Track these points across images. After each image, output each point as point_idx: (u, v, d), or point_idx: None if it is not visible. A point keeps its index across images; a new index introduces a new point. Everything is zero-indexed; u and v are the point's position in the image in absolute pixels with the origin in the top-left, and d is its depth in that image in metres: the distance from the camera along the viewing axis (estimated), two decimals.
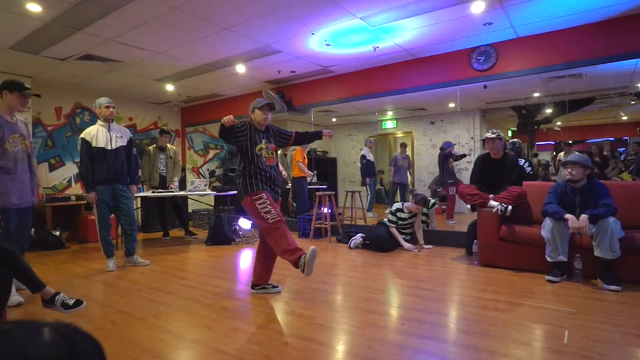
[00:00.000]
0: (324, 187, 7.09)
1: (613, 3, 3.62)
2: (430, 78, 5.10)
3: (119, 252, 4.48)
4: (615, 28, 3.94)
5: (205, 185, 5.68)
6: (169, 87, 6.45)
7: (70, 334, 0.54)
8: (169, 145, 5.91)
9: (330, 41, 4.53)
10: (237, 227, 5.70)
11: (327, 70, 5.71)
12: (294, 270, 3.83)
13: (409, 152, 8.63)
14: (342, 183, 10.10)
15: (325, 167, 9.91)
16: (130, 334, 2.31)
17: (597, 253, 3.08)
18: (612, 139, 7.88)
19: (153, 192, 5.31)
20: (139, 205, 6.41)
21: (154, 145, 5.84)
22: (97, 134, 3.90)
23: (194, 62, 5.19)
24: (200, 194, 5.60)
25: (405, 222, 4.79)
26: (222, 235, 5.37)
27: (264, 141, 3.00)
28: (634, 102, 6.52)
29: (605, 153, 7.02)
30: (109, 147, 3.92)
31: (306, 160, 6.62)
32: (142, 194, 5.28)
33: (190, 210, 7.42)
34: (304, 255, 2.68)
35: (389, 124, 9.41)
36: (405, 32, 4.31)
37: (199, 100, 7.65)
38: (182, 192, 5.65)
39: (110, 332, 2.34)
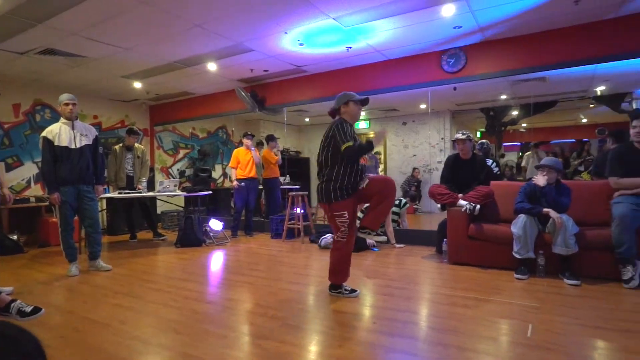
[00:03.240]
0: (297, 187, 7.06)
1: (572, 12, 3.78)
2: (402, 79, 5.17)
3: (82, 255, 4.29)
4: (575, 35, 4.12)
5: (175, 185, 5.54)
6: (137, 85, 6.25)
7: (7, 331, 0.50)
8: (136, 145, 5.72)
9: (304, 41, 4.51)
10: (208, 229, 5.59)
11: (300, 69, 5.69)
12: (268, 271, 3.81)
13: (381, 151, 8.74)
14: (315, 183, 10.09)
15: (298, 167, 9.89)
16: (94, 340, 2.21)
17: (554, 250, 3.24)
18: (573, 140, 8.27)
19: (120, 193, 5.12)
20: (105, 207, 6.18)
21: (121, 145, 5.64)
22: (59, 132, 3.73)
23: (163, 59, 5.05)
24: (169, 194, 5.45)
25: None
26: (192, 237, 5.25)
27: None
28: (592, 106, 6.87)
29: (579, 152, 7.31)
30: (72, 146, 3.75)
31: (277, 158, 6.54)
32: (108, 195, 5.08)
33: (159, 212, 7.22)
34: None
35: (362, 124, 9.50)
36: (378, 34, 4.35)
37: (169, 99, 7.45)
38: (150, 193, 5.49)
39: (72, 340, 2.24)
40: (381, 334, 2.23)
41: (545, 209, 3.30)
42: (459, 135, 4.16)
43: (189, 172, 8.44)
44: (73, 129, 3.80)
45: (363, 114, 8.95)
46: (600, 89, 6.11)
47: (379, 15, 3.86)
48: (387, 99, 6.81)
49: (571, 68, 4.36)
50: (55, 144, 3.68)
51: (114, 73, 5.60)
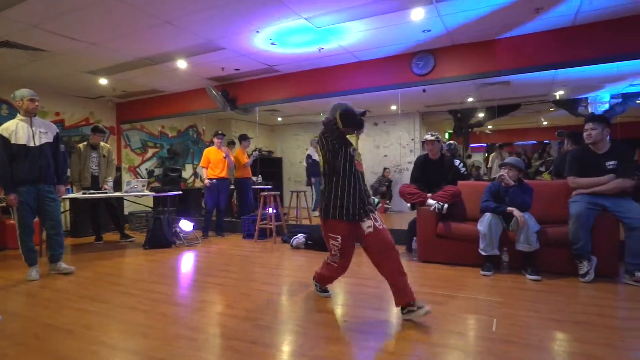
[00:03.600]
0: (269, 187, 7.03)
1: (534, 19, 3.96)
2: (373, 80, 5.25)
3: (43, 259, 4.09)
4: (536, 42, 4.32)
5: (143, 185, 5.38)
6: (103, 81, 6.02)
7: None
8: (102, 144, 5.52)
9: (276, 40, 4.50)
10: (178, 229, 5.48)
11: (273, 69, 5.66)
12: (240, 272, 3.77)
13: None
14: (288, 183, 10.09)
15: (270, 167, 9.84)
16: (56, 347, 2.12)
17: (517, 247, 3.40)
18: (535, 142, 8.66)
19: (84, 194, 4.92)
20: (68, 208, 5.92)
21: (85, 143, 5.42)
22: (16, 129, 3.54)
23: (131, 55, 4.89)
24: (137, 194, 5.29)
25: None
26: (161, 238, 5.12)
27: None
28: (552, 109, 7.21)
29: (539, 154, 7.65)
30: (31, 144, 3.57)
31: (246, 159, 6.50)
32: (71, 195, 4.88)
33: (126, 213, 6.99)
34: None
35: None
36: (350, 35, 4.40)
37: (137, 96, 7.23)
38: (117, 193, 5.30)
39: (32, 347, 2.13)
40: (353, 332, 2.27)
41: (509, 208, 3.45)
42: (428, 137, 4.26)
43: (158, 171, 8.22)
44: (32, 126, 3.62)
45: None
46: (559, 94, 6.42)
47: (350, 16, 3.90)
48: (358, 99, 6.87)
49: (533, 73, 4.57)
50: (12, 142, 3.50)
51: (78, 68, 5.38)
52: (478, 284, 3.24)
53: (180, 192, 5.95)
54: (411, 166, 4.61)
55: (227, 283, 3.37)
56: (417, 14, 3.84)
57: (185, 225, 5.56)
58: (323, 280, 2.93)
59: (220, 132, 6.19)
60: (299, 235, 4.93)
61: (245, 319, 2.49)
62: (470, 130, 8.14)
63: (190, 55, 4.97)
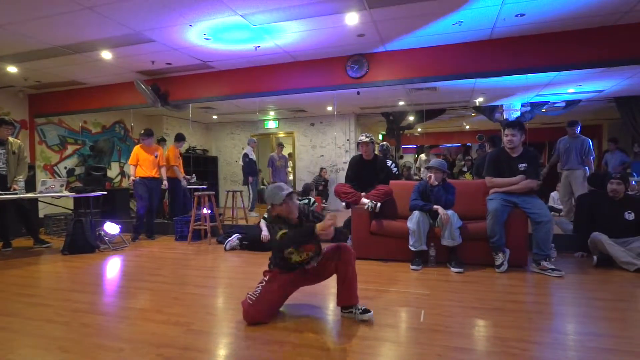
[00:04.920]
0: (204, 187, 6.81)
1: (455, 32, 4.28)
2: (309, 81, 5.31)
3: None
4: (459, 52, 4.68)
5: (62, 185, 4.91)
6: (12, 69, 5.41)
7: None
8: (11, 139, 4.94)
9: (210, 35, 4.37)
10: (103, 233, 5.09)
11: (207, 65, 5.49)
12: (171, 276, 3.61)
13: (291, 152, 8.85)
14: (224, 182, 9.85)
15: (205, 166, 9.53)
16: None
17: (443, 242, 3.67)
18: (459, 144, 9.36)
19: None
20: None
21: None
22: None
23: (46, 42, 4.45)
24: (54, 195, 4.82)
25: None
26: (83, 243, 4.72)
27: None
28: (473, 115, 7.84)
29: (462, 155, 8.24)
30: None
31: (181, 160, 6.28)
32: None
33: (41, 215, 6.34)
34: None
35: (271, 124, 9.51)
36: (286, 35, 4.41)
37: (54, 87, 6.58)
38: (29, 194, 4.78)
39: None
40: (290, 331, 2.28)
41: (435, 206, 3.69)
42: (363, 138, 4.41)
43: (79, 170, 7.55)
44: None
45: (272, 113, 8.99)
46: (478, 100, 7.00)
47: (286, 16, 3.91)
48: (295, 99, 6.92)
49: (456, 81, 4.95)
50: None
51: None
52: (408, 278, 3.42)
53: (105, 193, 5.53)
54: (346, 166, 4.74)
55: (157, 288, 3.20)
56: (352, 19, 3.96)
57: (111, 228, 5.19)
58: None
59: (148, 129, 5.84)
60: (233, 236, 4.82)
61: (177, 324, 2.40)
62: (401, 132, 8.56)
63: (116, 46, 4.65)
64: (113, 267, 4.11)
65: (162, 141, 6.89)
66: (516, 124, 3.71)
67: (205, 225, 5.23)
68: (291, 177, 8.78)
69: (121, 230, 5.27)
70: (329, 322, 2.44)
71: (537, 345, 2.06)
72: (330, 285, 3.29)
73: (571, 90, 6.25)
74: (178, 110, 6.50)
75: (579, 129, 5.32)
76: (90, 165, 7.23)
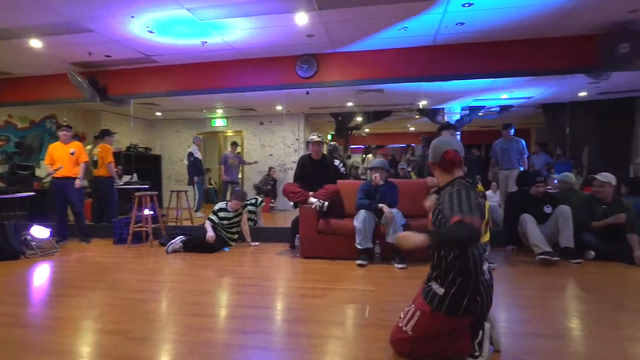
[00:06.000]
0: (146, 186, 6.47)
1: (400, 37, 4.45)
2: (258, 80, 5.25)
3: None
4: (403, 56, 4.86)
5: None
6: None
7: None
8: None
9: (154, 28, 4.17)
10: (29, 237, 4.66)
11: (150, 59, 5.23)
12: (106, 282, 3.39)
13: (239, 151, 8.68)
14: (167, 182, 9.44)
15: (147, 164, 9.07)
16: None
17: (387, 239, 3.79)
18: (404, 145, 9.72)
19: None
20: None
21: None
22: None
23: None
24: None
25: (231, 222, 4.76)
26: (6, 248, 4.29)
27: None
28: (417, 117, 8.20)
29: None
30: None
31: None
32: None
33: None
34: None
35: (219, 122, 9.27)
36: (235, 31, 4.32)
37: None
38: None
39: None
40: (234, 332, 2.24)
41: (380, 205, 3.80)
42: (314, 137, 4.44)
43: (2, 169, 6.86)
44: None
45: (220, 111, 8.78)
46: (422, 103, 7.33)
47: (235, 13, 3.84)
48: (244, 98, 6.81)
49: (400, 84, 5.15)
50: None
51: None
52: (355, 275, 3.49)
53: (33, 194, 5.07)
54: (295, 166, 4.74)
55: (91, 295, 3.00)
56: (301, 19, 3.97)
57: (39, 232, 4.76)
58: None
59: (65, 124, 5.39)
60: (176, 239, 4.62)
61: (114, 332, 2.26)
62: (350, 132, 8.73)
63: (48, 34, 4.29)
64: (41, 274, 3.78)
65: (99, 138, 6.45)
66: (450, 126, 3.97)
67: (147, 227, 4.97)
68: (240, 175, 8.61)
69: (52, 235, 4.86)
70: (274, 322, 2.42)
71: None
72: (279, 285, 3.28)
73: (504, 96, 6.72)
74: (118, 105, 6.13)
75: (513, 131, 5.73)
76: (16, 163, 6.59)
